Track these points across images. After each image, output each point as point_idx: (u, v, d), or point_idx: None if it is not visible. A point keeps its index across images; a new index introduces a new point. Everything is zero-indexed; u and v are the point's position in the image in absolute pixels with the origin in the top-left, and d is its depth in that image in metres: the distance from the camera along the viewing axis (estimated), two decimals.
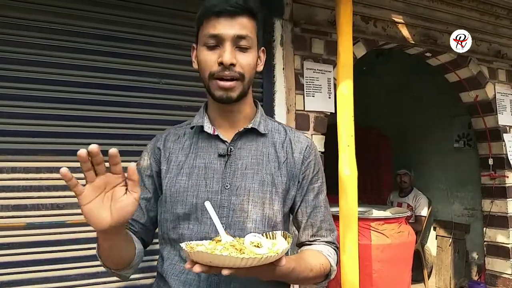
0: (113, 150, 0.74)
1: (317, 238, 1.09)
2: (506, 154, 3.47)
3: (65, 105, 2.03)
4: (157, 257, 1.11)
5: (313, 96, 2.64)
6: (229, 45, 0.95)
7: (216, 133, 1.04)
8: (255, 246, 0.82)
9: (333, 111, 2.61)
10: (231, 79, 0.96)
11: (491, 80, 3.49)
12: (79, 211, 1.98)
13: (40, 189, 1.95)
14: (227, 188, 1.00)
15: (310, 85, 2.64)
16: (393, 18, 3.01)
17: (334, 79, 2.67)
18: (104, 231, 0.80)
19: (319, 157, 1.12)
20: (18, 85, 1.95)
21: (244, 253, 0.78)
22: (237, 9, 0.95)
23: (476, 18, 3.39)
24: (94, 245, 1.96)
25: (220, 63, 0.95)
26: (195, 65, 1.04)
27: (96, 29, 2.11)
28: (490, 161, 3.56)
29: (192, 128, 1.09)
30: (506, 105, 3.53)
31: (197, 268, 0.76)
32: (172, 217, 1.00)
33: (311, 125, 2.61)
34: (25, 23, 1.97)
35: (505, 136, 3.49)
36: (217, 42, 0.96)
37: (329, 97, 2.69)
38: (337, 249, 1.12)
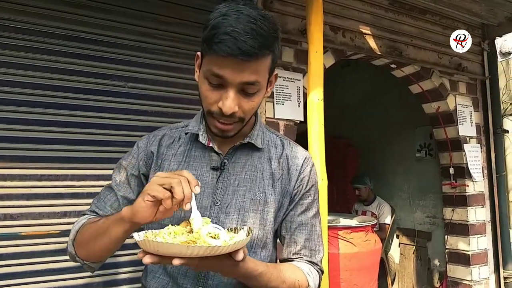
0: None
1: (300, 257, 1.03)
2: (466, 163, 3.59)
3: (21, 108, 1.90)
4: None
5: (283, 104, 2.63)
6: (233, 92, 0.85)
7: (211, 145, 0.99)
8: (212, 237, 0.77)
9: (302, 120, 2.60)
10: (230, 123, 0.90)
11: (452, 92, 3.62)
12: (34, 222, 1.90)
13: None
14: (217, 204, 0.95)
15: (280, 93, 2.62)
16: (361, 29, 3.06)
17: (304, 87, 2.67)
18: (137, 223, 0.84)
19: (314, 174, 1.07)
20: None
21: (196, 243, 0.74)
22: (251, 57, 0.81)
23: (439, 32, 3.52)
24: (50, 259, 1.88)
25: (220, 109, 0.86)
26: (196, 76, 0.94)
27: (57, 28, 2.00)
28: (451, 171, 3.67)
29: (186, 133, 1.03)
30: (466, 116, 3.67)
31: (146, 259, 0.72)
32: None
33: (281, 133, 2.59)
34: None
35: (465, 146, 3.61)
36: (221, 82, 0.85)
37: (299, 106, 2.68)
38: (320, 271, 1.04)
